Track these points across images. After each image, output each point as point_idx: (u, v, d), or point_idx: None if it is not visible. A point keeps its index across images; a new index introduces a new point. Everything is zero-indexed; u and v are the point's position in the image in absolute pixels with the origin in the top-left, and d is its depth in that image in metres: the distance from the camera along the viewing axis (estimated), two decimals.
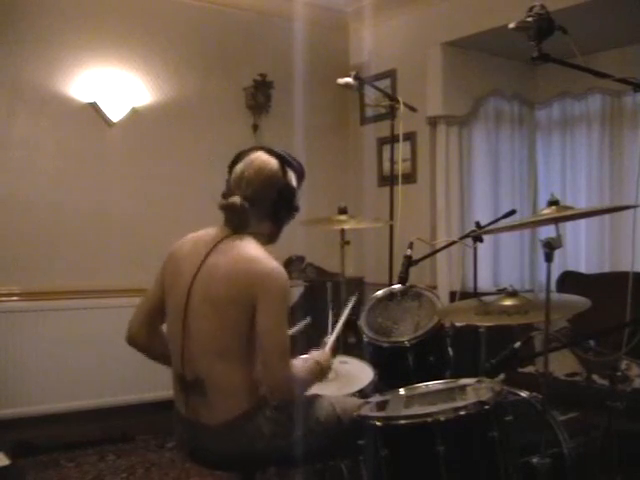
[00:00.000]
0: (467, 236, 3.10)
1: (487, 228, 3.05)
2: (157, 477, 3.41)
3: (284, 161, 2.06)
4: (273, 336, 1.86)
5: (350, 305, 2.51)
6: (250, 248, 1.96)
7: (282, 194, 2.03)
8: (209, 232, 2.05)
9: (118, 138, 4.27)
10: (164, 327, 2.11)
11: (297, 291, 4.35)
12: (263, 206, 2.02)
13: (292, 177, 2.07)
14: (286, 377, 1.88)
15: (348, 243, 3.21)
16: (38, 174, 4.01)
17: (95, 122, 4.19)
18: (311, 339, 2.64)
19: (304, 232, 3.88)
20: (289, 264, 4.53)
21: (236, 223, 1.99)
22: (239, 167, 2.04)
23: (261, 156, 2.05)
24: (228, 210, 1.99)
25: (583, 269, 4.49)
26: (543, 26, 1.99)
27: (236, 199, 1.98)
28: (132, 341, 2.11)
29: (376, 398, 2.20)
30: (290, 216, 2.10)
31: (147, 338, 2.10)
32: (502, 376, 2.26)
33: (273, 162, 2.04)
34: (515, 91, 4.84)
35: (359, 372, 2.49)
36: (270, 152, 2.07)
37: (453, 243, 3.40)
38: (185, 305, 1.94)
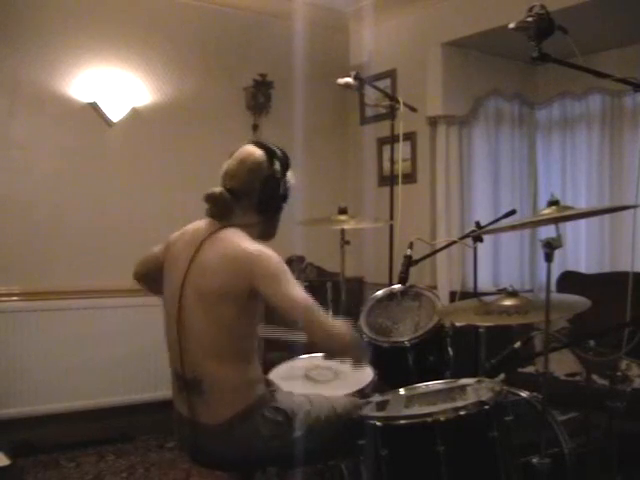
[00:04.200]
0: (467, 236, 3.10)
1: (487, 228, 3.05)
2: (157, 477, 3.42)
3: (269, 151, 2.07)
4: (290, 297, 1.85)
5: None
6: (237, 238, 1.96)
7: (266, 184, 2.03)
8: (200, 226, 2.06)
9: (118, 138, 4.26)
10: None
11: None
12: (248, 197, 2.03)
13: (278, 167, 2.07)
14: (329, 326, 1.86)
15: (348, 243, 3.21)
16: (38, 174, 4.01)
17: (95, 122, 4.18)
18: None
19: (304, 232, 3.88)
20: (289, 264, 4.53)
21: (217, 212, 2.01)
22: (226, 163, 2.08)
23: (246, 148, 2.08)
24: (209, 200, 2.01)
25: (583, 269, 4.49)
26: (543, 26, 1.98)
27: (216, 189, 2.01)
28: (136, 277, 2.26)
29: (376, 398, 2.20)
30: (276, 206, 2.10)
31: (149, 278, 2.21)
32: (502, 376, 2.26)
33: (258, 153, 2.05)
34: (515, 91, 4.83)
35: (359, 372, 2.48)
36: (256, 144, 2.09)
37: (453, 243, 3.40)
38: (179, 303, 1.95)
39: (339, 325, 1.90)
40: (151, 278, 2.20)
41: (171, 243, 2.10)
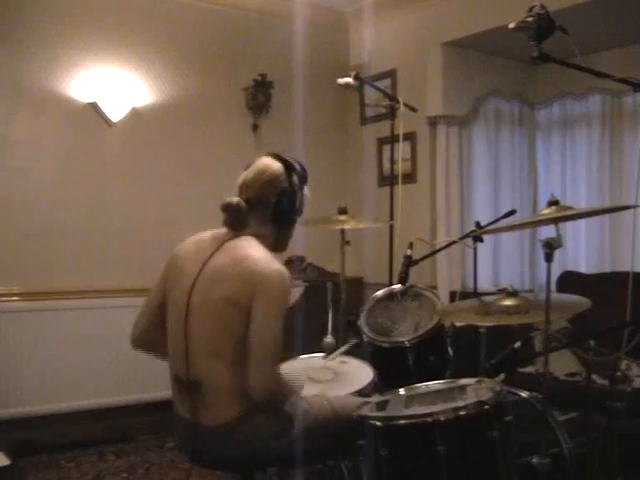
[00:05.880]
0: (467, 236, 3.10)
1: (487, 228, 3.05)
2: (157, 477, 3.41)
3: (288, 165, 2.08)
4: (264, 337, 1.86)
5: (347, 347, 2.56)
6: (252, 248, 1.97)
7: (282, 197, 2.04)
8: (213, 233, 2.06)
9: (118, 138, 4.26)
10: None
11: (297, 291, 4.35)
12: (263, 208, 2.04)
13: (295, 181, 2.08)
14: (271, 379, 1.89)
15: (348, 243, 3.21)
16: (38, 174, 4.00)
17: (95, 122, 4.18)
18: (310, 340, 2.65)
19: (304, 232, 3.86)
20: (289, 264, 4.53)
21: (232, 222, 2.02)
22: (243, 174, 2.08)
23: (264, 160, 2.09)
24: (225, 210, 2.02)
25: (583, 269, 4.49)
26: (543, 26, 1.98)
27: (233, 198, 2.02)
28: (137, 343, 2.13)
29: (376, 398, 2.20)
30: (291, 220, 2.11)
31: (153, 339, 2.11)
32: (502, 376, 2.26)
33: (276, 166, 2.06)
34: (515, 91, 4.84)
35: (359, 372, 2.48)
36: (275, 157, 2.10)
37: (453, 243, 3.40)
38: (186, 306, 1.95)
39: (276, 380, 1.93)
40: (158, 327, 2.09)
41: (177, 252, 2.09)
